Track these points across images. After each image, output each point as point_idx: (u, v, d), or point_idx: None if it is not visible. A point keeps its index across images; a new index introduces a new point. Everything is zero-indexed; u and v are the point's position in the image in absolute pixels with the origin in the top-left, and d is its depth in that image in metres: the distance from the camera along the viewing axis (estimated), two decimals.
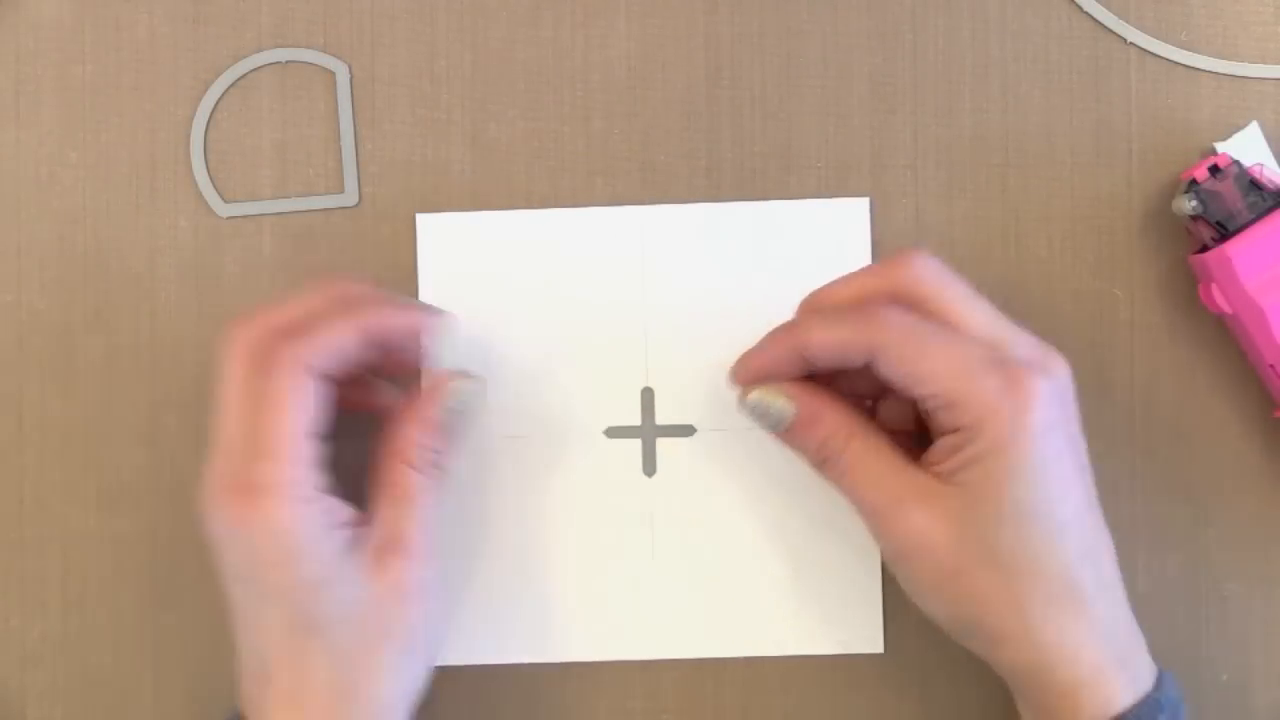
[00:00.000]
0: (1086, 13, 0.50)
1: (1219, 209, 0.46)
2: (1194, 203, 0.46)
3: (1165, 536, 0.49)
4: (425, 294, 0.49)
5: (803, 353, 0.43)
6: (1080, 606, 0.41)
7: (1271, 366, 0.46)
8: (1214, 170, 0.46)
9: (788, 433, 0.44)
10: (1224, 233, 0.46)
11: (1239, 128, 0.49)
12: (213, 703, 0.49)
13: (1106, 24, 0.50)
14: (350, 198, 0.48)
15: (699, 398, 0.49)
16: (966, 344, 0.41)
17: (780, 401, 0.44)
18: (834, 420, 0.43)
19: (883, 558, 0.44)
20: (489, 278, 0.49)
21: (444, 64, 0.50)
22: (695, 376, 0.49)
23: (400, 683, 0.43)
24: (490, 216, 0.49)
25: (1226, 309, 0.46)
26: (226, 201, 0.48)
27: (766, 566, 0.49)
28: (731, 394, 0.49)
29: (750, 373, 0.44)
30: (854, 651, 0.49)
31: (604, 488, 0.49)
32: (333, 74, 0.48)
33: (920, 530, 0.41)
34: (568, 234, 0.49)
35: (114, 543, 0.50)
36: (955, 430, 0.41)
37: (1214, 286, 0.46)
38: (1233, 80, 0.50)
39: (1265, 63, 0.50)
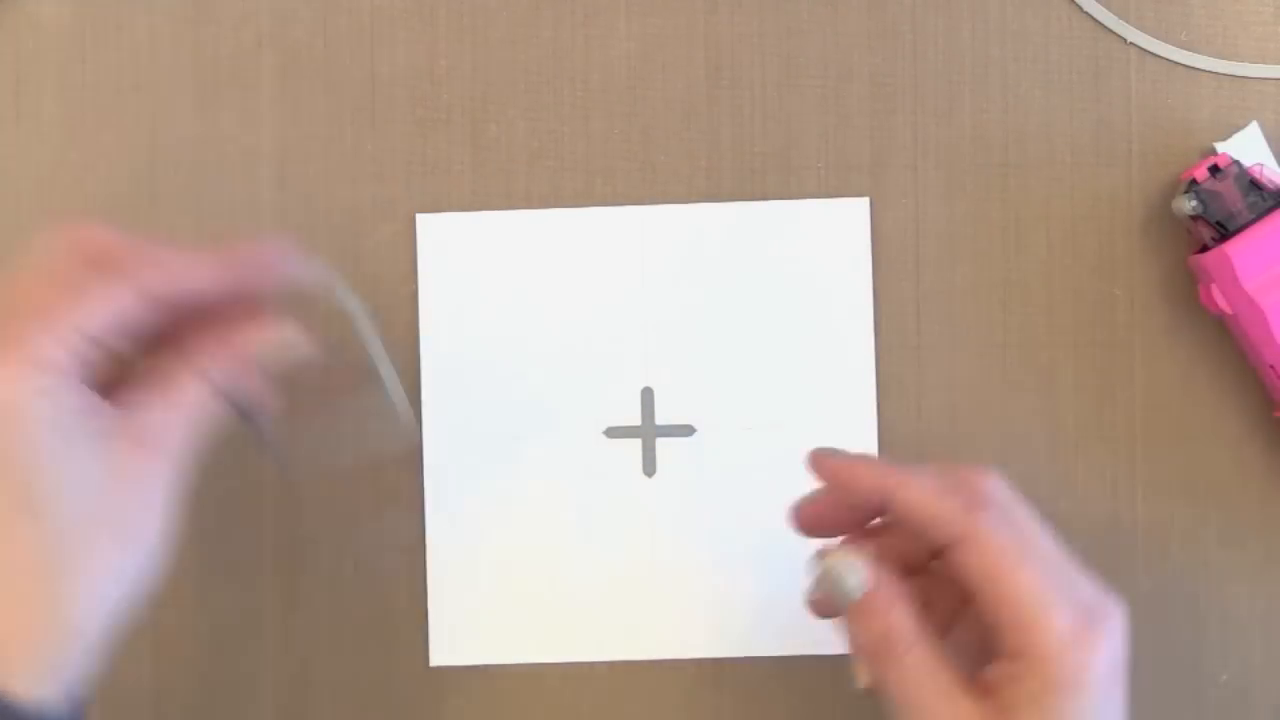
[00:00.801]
0: (1086, 13, 0.50)
1: (1219, 209, 0.46)
2: (1194, 203, 0.46)
3: (1165, 536, 0.49)
4: (425, 294, 0.49)
5: (886, 504, 0.40)
6: None
7: (1271, 366, 0.46)
8: (1214, 170, 0.46)
9: (849, 610, 0.41)
10: (1224, 233, 0.46)
11: (1239, 128, 0.49)
12: (213, 703, 0.49)
13: (1106, 24, 0.50)
14: (407, 430, 0.46)
15: (699, 398, 0.49)
16: (1052, 571, 0.39)
17: (855, 578, 0.40)
18: (902, 621, 0.40)
19: None
20: (489, 278, 0.49)
21: (444, 64, 0.50)
22: (695, 376, 0.49)
23: (113, 576, 0.38)
24: (490, 216, 0.50)
25: (1226, 309, 0.46)
26: None
27: (766, 566, 0.49)
28: (731, 394, 0.49)
29: (807, 516, 0.43)
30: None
31: (604, 488, 0.49)
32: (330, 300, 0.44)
33: None
34: (568, 234, 0.49)
35: None
36: (1019, 657, 0.39)
37: (1214, 287, 0.46)
38: (1233, 80, 0.50)
39: (1265, 63, 0.50)
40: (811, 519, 0.43)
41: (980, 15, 0.50)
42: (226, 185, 0.50)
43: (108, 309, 0.38)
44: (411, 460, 0.49)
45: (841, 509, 0.42)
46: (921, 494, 0.40)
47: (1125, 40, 0.50)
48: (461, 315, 0.49)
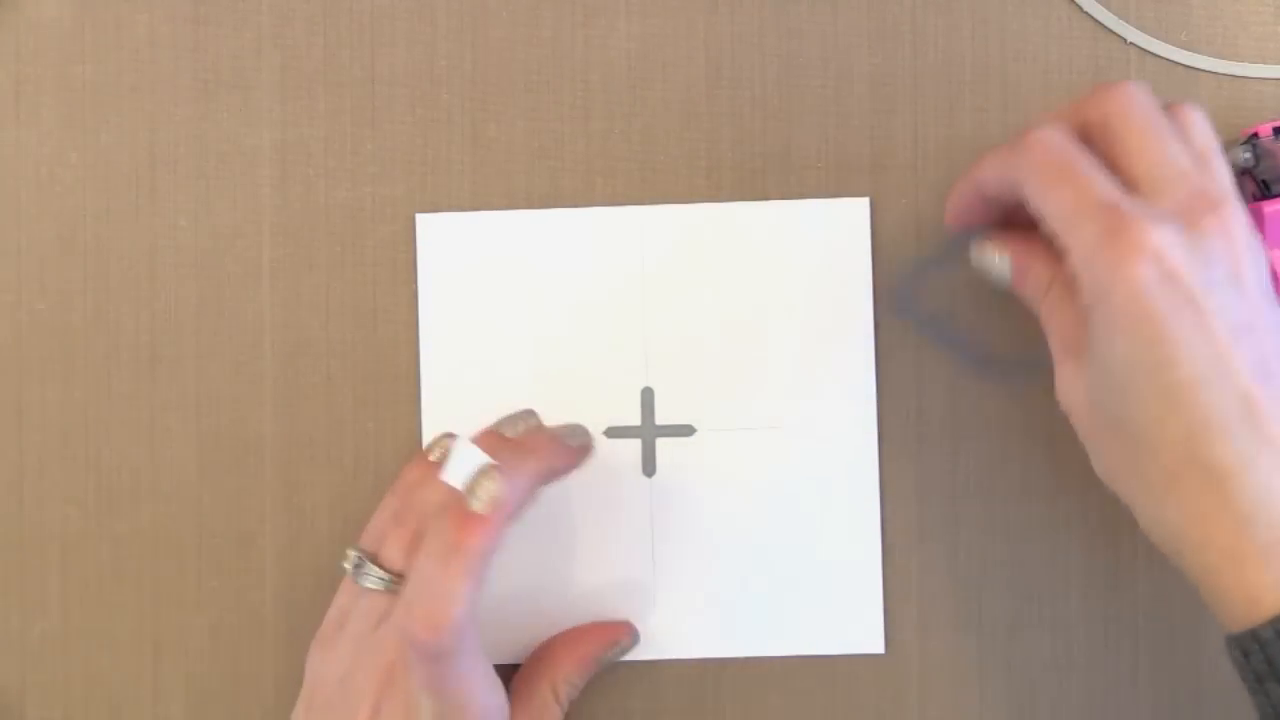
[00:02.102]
0: (1086, 13, 0.50)
1: (1270, 168, 0.46)
2: (1248, 155, 0.46)
3: None
4: (425, 294, 0.49)
5: (978, 188, 0.43)
6: (1210, 482, 0.36)
7: None
8: (1278, 132, 0.46)
9: (1014, 284, 0.44)
10: (1266, 193, 0.46)
11: (1238, 128, 0.49)
12: (213, 703, 0.49)
13: (1106, 24, 0.50)
14: None
15: (699, 398, 0.49)
16: (1091, 185, 0.39)
17: (994, 257, 0.45)
18: (1037, 270, 0.43)
19: None
20: (489, 278, 0.49)
21: (444, 64, 0.50)
22: (695, 376, 0.49)
23: None
24: (490, 216, 0.50)
25: None
26: None
27: (766, 566, 0.49)
28: (731, 394, 0.49)
29: (950, 213, 0.46)
30: (854, 651, 0.49)
31: (604, 488, 0.49)
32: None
33: (1065, 389, 0.41)
34: (568, 234, 0.49)
35: (114, 543, 0.50)
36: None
37: None
38: (1233, 80, 0.50)
39: (1265, 63, 0.50)
40: (956, 215, 0.46)
41: (980, 15, 0.50)
42: (226, 185, 0.50)
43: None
44: (411, 460, 0.49)
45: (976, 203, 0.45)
46: (986, 163, 0.43)
47: (1125, 40, 0.50)
48: (461, 315, 0.49)
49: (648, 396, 0.49)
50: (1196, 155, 0.40)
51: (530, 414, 0.47)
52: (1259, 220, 0.46)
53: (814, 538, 0.49)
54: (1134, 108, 0.40)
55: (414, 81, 0.50)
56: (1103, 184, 0.39)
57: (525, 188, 0.50)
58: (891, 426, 0.49)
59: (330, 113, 0.50)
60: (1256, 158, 0.47)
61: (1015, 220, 0.44)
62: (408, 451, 0.49)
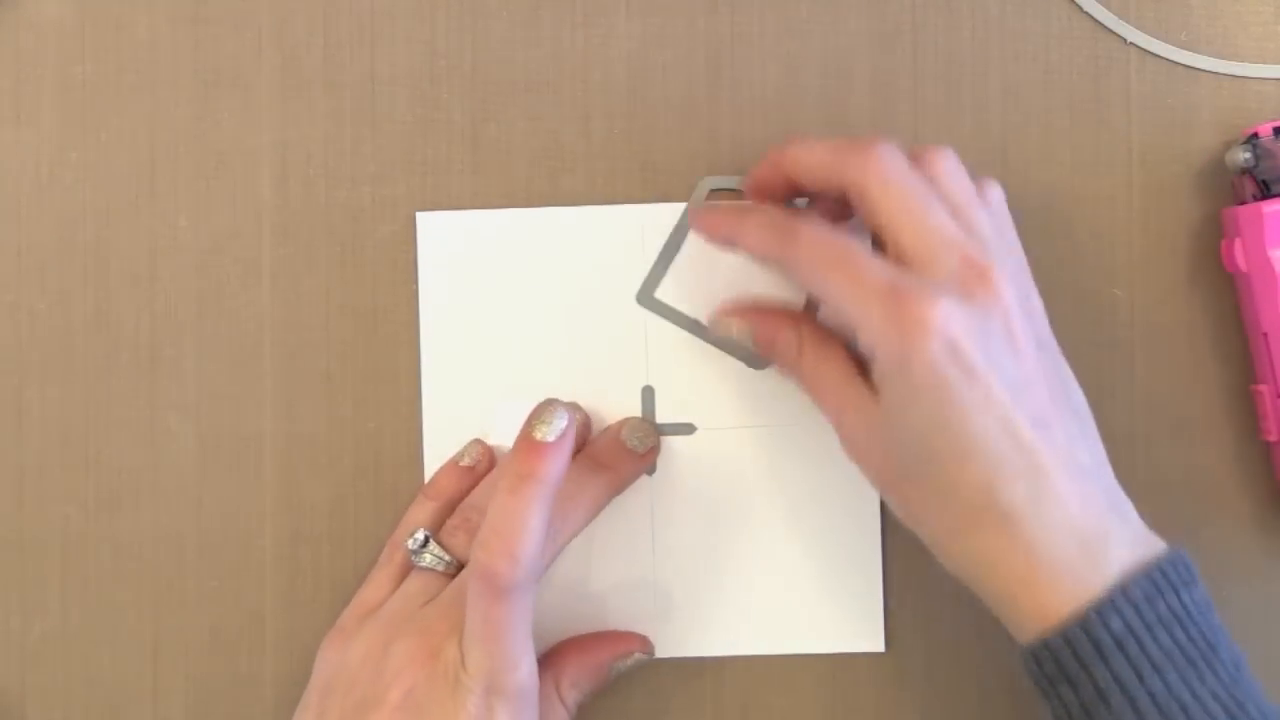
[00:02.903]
0: (1086, 13, 0.50)
1: (1269, 168, 0.46)
2: (1247, 155, 0.46)
3: (1165, 536, 0.49)
4: (425, 293, 0.49)
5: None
6: (1004, 523, 0.41)
7: (1265, 335, 0.46)
8: (1278, 132, 0.46)
9: (761, 355, 0.47)
10: (1266, 193, 0.46)
11: (1238, 128, 0.49)
12: (213, 703, 0.49)
13: (1106, 24, 0.50)
14: None
15: (699, 397, 0.49)
16: (867, 269, 0.41)
17: (733, 330, 0.47)
18: (784, 337, 0.46)
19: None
20: (489, 276, 0.49)
21: (444, 64, 0.50)
22: (695, 376, 0.49)
23: None
24: (490, 215, 0.49)
25: (1243, 268, 0.46)
26: None
27: (766, 566, 0.49)
28: (731, 393, 0.49)
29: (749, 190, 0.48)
30: (854, 651, 0.49)
31: None
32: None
33: (857, 441, 0.43)
34: (568, 233, 0.49)
35: (114, 543, 0.50)
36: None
37: (1238, 243, 0.47)
38: (1233, 80, 0.50)
39: (1265, 63, 0.50)
40: (753, 189, 0.47)
41: (980, 15, 0.50)
42: (226, 185, 0.50)
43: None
44: (412, 460, 0.49)
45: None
46: (754, 238, 0.45)
47: (1125, 40, 0.50)
48: (462, 314, 0.49)
49: (648, 396, 0.49)
50: (955, 208, 0.43)
51: (561, 409, 0.46)
52: (1255, 222, 0.46)
53: (814, 536, 0.49)
54: (887, 175, 0.42)
55: (414, 81, 0.50)
56: (877, 267, 0.41)
57: (525, 187, 0.50)
58: None
59: (330, 113, 0.50)
60: (1256, 158, 0.47)
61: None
62: (408, 451, 0.49)
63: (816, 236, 0.43)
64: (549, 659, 0.47)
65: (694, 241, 0.49)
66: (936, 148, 0.44)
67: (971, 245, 0.42)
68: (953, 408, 0.40)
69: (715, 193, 0.49)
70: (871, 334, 0.41)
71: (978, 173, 0.50)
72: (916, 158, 0.43)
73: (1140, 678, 0.40)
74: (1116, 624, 0.40)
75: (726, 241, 0.46)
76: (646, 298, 0.49)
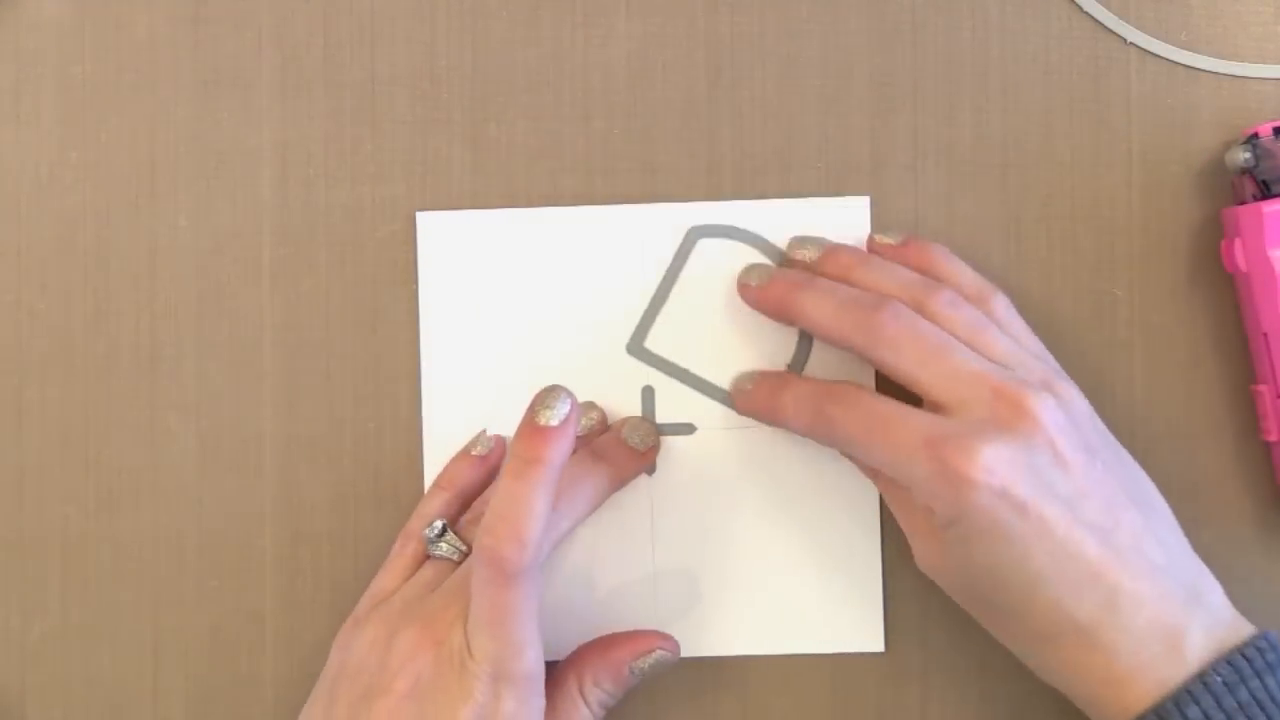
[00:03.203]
0: (1086, 13, 0.50)
1: (1269, 168, 0.46)
2: (1247, 155, 0.46)
3: None
4: (425, 293, 0.49)
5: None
6: (1080, 635, 0.42)
7: (1265, 335, 0.46)
8: (1278, 132, 0.46)
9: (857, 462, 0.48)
10: (1266, 194, 0.46)
11: (1238, 128, 0.49)
12: (213, 703, 0.49)
13: (1106, 24, 0.50)
14: None
15: (699, 397, 0.49)
16: (905, 427, 0.42)
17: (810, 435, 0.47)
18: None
19: None
20: (489, 277, 0.49)
21: (444, 64, 0.50)
22: (695, 376, 0.49)
23: None
24: (490, 215, 0.49)
25: (1243, 268, 0.46)
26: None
27: (766, 566, 0.49)
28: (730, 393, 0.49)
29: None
30: (854, 651, 0.49)
31: None
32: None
33: (930, 565, 0.44)
34: (568, 233, 0.49)
35: (114, 543, 0.50)
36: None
37: (1237, 243, 0.47)
38: (1233, 80, 0.50)
39: (1265, 63, 0.50)
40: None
41: (980, 15, 0.50)
42: (226, 185, 0.50)
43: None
44: (412, 460, 0.49)
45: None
46: (793, 404, 0.46)
47: (1125, 40, 0.50)
48: (462, 314, 0.49)
49: (648, 395, 0.49)
50: (970, 343, 0.44)
51: (564, 394, 0.46)
52: (1255, 222, 0.46)
53: (814, 536, 0.49)
54: (896, 337, 0.43)
55: (414, 81, 0.50)
56: (914, 424, 0.42)
57: (525, 188, 0.50)
58: None
59: (330, 113, 0.50)
60: (1256, 158, 0.47)
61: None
62: (408, 451, 0.49)
63: (850, 405, 0.44)
64: (570, 660, 0.47)
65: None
66: (933, 289, 0.45)
67: (997, 375, 0.43)
68: (1011, 545, 0.41)
69: (704, 230, 0.49)
70: (921, 492, 0.42)
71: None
72: (920, 305, 0.44)
73: None
74: (1194, 713, 0.40)
75: (768, 419, 0.47)
76: (637, 347, 0.49)
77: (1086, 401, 0.44)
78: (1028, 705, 0.49)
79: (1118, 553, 0.42)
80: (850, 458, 0.47)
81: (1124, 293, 0.50)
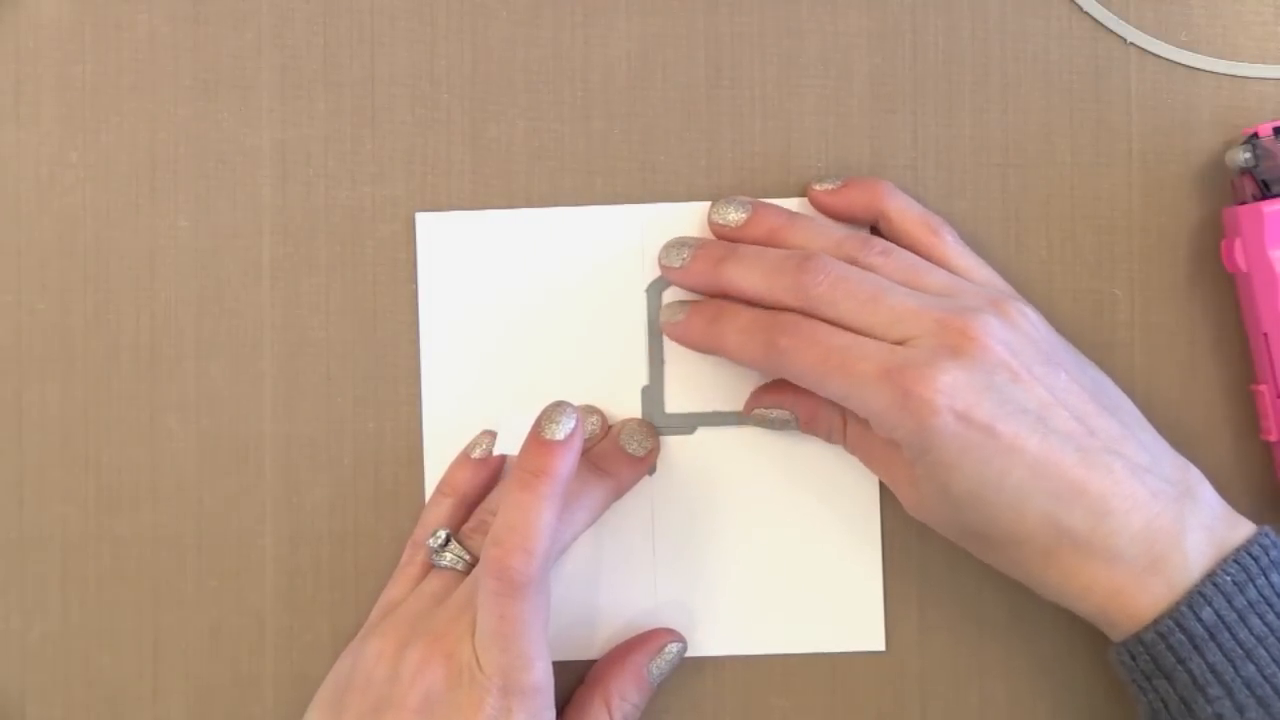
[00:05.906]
0: (1086, 13, 0.50)
1: (1270, 168, 0.46)
2: (1247, 155, 0.46)
3: None
4: (425, 293, 0.49)
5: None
6: (1078, 548, 0.42)
7: (1265, 335, 0.46)
8: (1278, 132, 0.46)
9: (803, 429, 0.48)
10: (1266, 194, 0.46)
11: (1238, 128, 0.49)
12: (213, 703, 0.49)
13: (1106, 24, 0.50)
14: None
15: (699, 397, 0.49)
16: (859, 359, 0.42)
17: (772, 414, 0.48)
18: (825, 414, 0.47)
19: None
20: (489, 277, 0.49)
21: (444, 64, 0.50)
22: (695, 376, 0.49)
23: None
24: (490, 216, 0.50)
25: (1243, 268, 0.46)
26: None
27: (766, 566, 0.49)
28: (731, 393, 0.49)
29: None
30: (854, 650, 0.49)
31: None
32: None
33: (913, 508, 0.44)
34: (568, 233, 0.49)
35: (114, 543, 0.50)
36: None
37: (1238, 243, 0.47)
38: (1233, 80, 0.50)
39: (1265, 63, 0.50)
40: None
41: (980, 15, 0.50)
42: (226, 185, 0.50)
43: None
44: (412, 460, 0.49)
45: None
46: (736, 336, 0.45)
47: (1125, 40, 0.50)
48: (461, 314, 0.49)
49: (647, 395, 0.49)
50: (908, 282, 0.44)
51: (570, 409, 0.46)
52: (1255, 222, 0.46)
53: (815, 535, 0.49)
54: (832, 293, 0.43)
55: (414, 81, 0.50)
56: (869, 353, 0.42)
57: (525, 188, 0.50)
58: None
59: (330, 113, 0.50)
60: (1256, 158, 0.47)
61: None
62: (408, 451, 0.49)
63: (802, 336, 0.43)
64: (590, 682, 0.47)
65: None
66: (864, 242, 0.45)
67: (938, 306, 0.43)
68: (986, 466, 0.41)
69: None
70: (883, 423, 0.42)
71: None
72: (853, 259, 0.45)
73: (1234, 666, 0.40)
74: (1208, 614, 0.40)
75: (706, 350, 0.47)
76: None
77: (1040, 315, 0.45)
78: (1028, 705, 0.49)
79: (1098, 458, 0.42)
80: (802, 387, 0.45)
81: (1124, 292, 0.50)
